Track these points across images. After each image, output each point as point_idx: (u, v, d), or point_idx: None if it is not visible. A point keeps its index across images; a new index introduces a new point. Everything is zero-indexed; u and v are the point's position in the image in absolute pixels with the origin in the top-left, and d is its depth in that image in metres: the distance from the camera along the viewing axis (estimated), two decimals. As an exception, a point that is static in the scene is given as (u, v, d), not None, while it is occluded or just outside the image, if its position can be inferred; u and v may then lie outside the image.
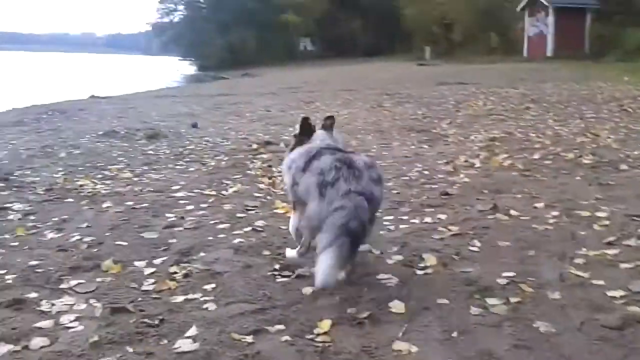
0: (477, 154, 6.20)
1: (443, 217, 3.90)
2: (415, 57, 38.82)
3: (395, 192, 4.68)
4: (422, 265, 3.03)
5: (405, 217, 3.94)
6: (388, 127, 8.83)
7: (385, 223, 3.79)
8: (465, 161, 5.85)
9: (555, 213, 3.91)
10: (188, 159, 6.62)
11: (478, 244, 3.33)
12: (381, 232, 3.59)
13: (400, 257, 3.15)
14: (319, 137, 3.13)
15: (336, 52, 50.99)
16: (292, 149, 3.17)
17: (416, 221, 3.84)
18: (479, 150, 6.51)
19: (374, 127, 8.98)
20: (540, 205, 4.12)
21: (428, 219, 3.87)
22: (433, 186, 4.88)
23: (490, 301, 2.59)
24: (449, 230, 3.60)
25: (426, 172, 5.45)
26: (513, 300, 2.60)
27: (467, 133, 7.87)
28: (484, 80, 17.72)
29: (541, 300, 2.61)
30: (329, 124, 3.23)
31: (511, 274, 2.87)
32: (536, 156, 5.98)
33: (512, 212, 3.92)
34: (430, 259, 3.08)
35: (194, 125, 9.60)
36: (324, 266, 2.58)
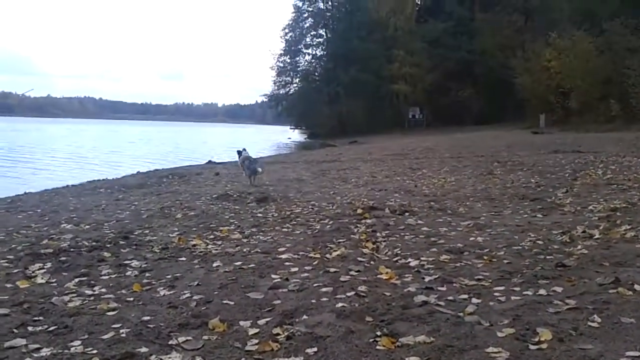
0: (596, 225, 5.77)
1: (559, 289, 3.63)
2: (528, 125, 37.82)
3: (506, 261, 4.45)
4: (535, 339, 2.81)
5: (517, 289, 3.70)
6: (499, 195, 8.53)
7: (495, 294, 3.59)
8: (583, 232, 5.46)
9: (688, 290, 3.52)
10: (294, 222, 6.75)
11: (598, 319, 3.04)
12: (490, 303, 3.41)
13: (511, 330, 2.94)
14: (245, 154, 11.58)
15: (445, 121, 50.84)
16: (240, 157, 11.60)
17: (529, 293, 3.60)
18: (598, 220, 6.06)
19: (483, 194, 8.72)
20: (670, 280, 3.72)
21: (542, 291, 3.61)
22: (547, 257, 4.57)
23: (614, 383, 2.34)
24: (566, 303, 3.33)
25: (540, 242, 5.14)
26: (640, 383, 2.33)
27: (585, 202, 7.40)
28: (603, 148, 16.78)
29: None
30: (243, 151, 11.76)
31: (636, 353, 2.58)
32: (665, 228, 5.48)
33: (637, 286, 3.57)
34: (545, 334, 2.84)
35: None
36: (252, 179, 11.11)
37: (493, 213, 7.01)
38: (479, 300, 3.47)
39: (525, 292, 3.62)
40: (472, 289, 3.74)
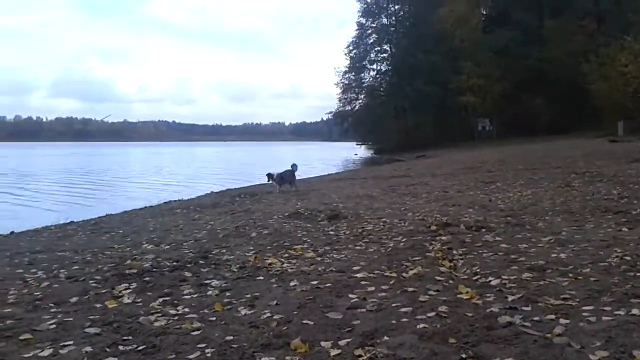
0: (690, 239, 5.43)
1: (654, 309, 3.43)
2: (605, 133, 36.21)
3: (593, 279, 4.24)
4: (633, 364, 2.66)
5: (607, 308, 3.52)
6: (579, 208, 8.18)
7: (584, 314, 3.43)
8: (676, 246, 5.15)
9: None
10: (367, 240, 6.70)
11: (703, 342, 2.84)
12: (580, 324, 3.26)
13: (605, 353, 2.79)
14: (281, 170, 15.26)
15: (516, 131, 49.45)
16: (274, 177, 14.79)
17: (621, 313, 3.42)
18: (692, 234, 5.71)
19: (562, 207, 8.39)
20: None
21: (635, 311, 3.42)
22: (637, 274, 4.33)
23: None
24: (664, 325, 3.14)
25: (628, 258, 4.87)
26: None
27: (676, 214, 6.98)
28: (691, 155, 15.83)
29: None
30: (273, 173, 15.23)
31: None
32: None
33: None
34: (643, 357, 2.69)
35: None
36: (285, 187, 14.70)
37: (574, 228, 6.73)
38: (567, 321, 3.33)
39: (616, 312, 3.44)
40: (559, 308, 3.59)
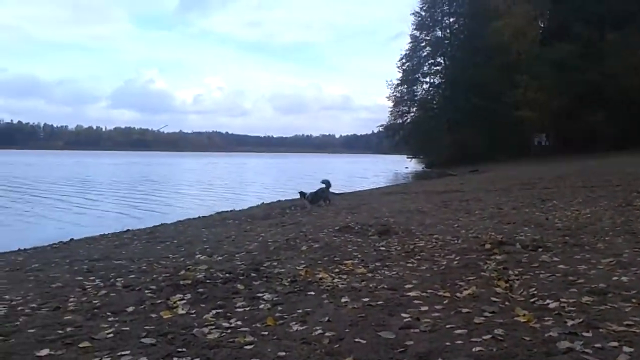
0: None
1: None
2: (674, 150, 34.67)
3: (660, 306, 4.04)
4: None
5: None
6: (642, 229, 7.83)
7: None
8: None
9: None
10: (419, 257, 6.60)
11: None
12: (646, 354, 3.10)
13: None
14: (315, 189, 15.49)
15: (574, 147, 47.91)
16: (307, 196, 14.81)
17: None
18: None
19: (623, 228, 8.05)
20: None
21: None
22: None
23: None
24: None
25: (698, 285, 4.63)
26: None
27: None
28: None
29: None
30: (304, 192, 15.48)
31: None
32: None
33: None
34: None
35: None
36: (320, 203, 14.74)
37: (637, 249, 6.42)
38: (632, 349, 3.18)
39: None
40: (622, 335, 3.43)
